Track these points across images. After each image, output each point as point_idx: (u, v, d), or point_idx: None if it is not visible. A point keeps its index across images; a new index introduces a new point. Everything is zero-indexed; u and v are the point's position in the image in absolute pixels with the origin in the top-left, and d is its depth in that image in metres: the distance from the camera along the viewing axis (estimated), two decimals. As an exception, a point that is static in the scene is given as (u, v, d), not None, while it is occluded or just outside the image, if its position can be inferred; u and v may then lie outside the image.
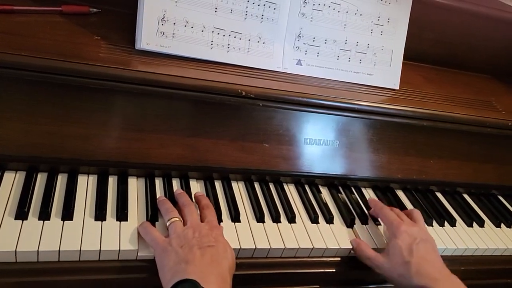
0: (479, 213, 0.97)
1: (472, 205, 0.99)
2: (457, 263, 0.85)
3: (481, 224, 0.93)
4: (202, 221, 0.69)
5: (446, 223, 0.90)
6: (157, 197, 0.74)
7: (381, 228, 0.83)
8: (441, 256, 0.84)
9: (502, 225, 0.95)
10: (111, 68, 0.69)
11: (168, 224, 0.67)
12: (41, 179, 0.72)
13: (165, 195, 0.76)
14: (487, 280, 0.88)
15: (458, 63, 1.13)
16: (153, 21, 0.75)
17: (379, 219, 0.83)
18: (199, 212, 0.72)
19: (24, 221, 0.64)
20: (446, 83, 1.05)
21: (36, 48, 0.68)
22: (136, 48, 0.76)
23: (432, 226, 0.89)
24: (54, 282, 0.63)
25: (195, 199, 0.76)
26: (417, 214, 0.82)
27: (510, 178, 1.04)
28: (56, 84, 0.68)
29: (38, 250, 0.61)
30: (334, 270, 0.77)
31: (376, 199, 0.89)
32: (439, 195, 0.99)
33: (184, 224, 0.68)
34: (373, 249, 0.77)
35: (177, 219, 0.68)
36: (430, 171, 0.96)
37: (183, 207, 0.71)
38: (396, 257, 0.71)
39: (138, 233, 0.67)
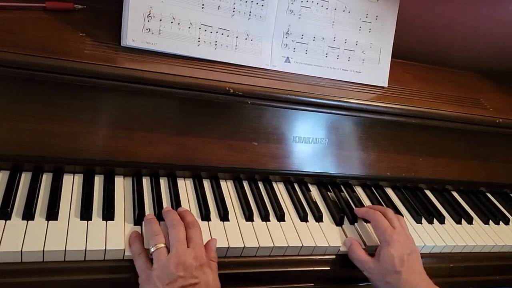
0: (468, 210, 0.97)
1: (461, 203, 1.00)
2: (446, 260, 0.85)
3: (470, 221, 0.94)
4: (187, 242, 0.66)
5: (435, 221, 0.91)
6: (146, 214, 0.70)
7: (370, 226, 0.83)
8: (430, 253, 0.84)
9: (491, 222, 0.96)
10: (96, 65, 0.68)
11: (152, 250, 0.64)
12: (25, 178, 0.71)
13: (153, 194, 0.75)
14: (475, 276, 0.88)
15: (446, 61, 1.14)
16: (139, 18, 0.74)
17: (371, 225, 0.81)
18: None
19: (7, 221, 0.63)
20: (435, 80, 1.06)
21: (20, 44, 0.67)
22: (121, 45, 0.75)
23: (421, 223, 0.89)
24: (38, 283, 0.61)
25: (179, 215, 0.71)
26: (402, 221, 0.80)
27: (498, 175, 1.05)
28: (40, 81, 0.67)
29: (21, 251, 0.60)
30: (323, 268, 0.76)
31: (361, 208, 0.85)
32: (428, 192, 1.00)
33: (169, 249, 0.64)
34: (363, 248, 0.77)
35: (162, 245, 0.64)
36: (419, 168, 0.96)
37: (170, 228, 0.67)
38: (388, 265, 0.72)
39: (125, 232, 0.66)
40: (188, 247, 0.65)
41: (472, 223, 0.93)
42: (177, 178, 0.80)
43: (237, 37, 0.81)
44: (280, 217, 0.78)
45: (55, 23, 0.76)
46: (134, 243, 0.65)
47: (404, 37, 0.96)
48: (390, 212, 0.80)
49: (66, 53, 0.68)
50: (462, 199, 1.01)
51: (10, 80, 0.67)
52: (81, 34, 0.75)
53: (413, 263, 0.73)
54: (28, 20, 0.74)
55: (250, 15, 0.81)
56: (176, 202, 0.75)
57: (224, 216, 0.75)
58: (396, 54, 0.95)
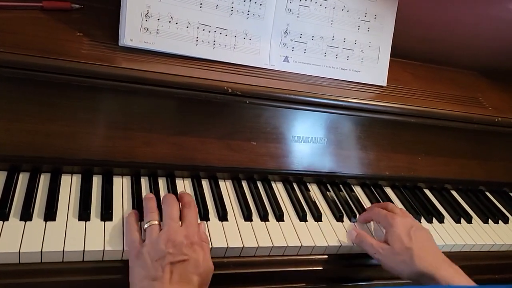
0: (467, 209, 0.97)
1: (460, 202, 0.99)
2: (445, 259, 0.85)
3: (469, 220, 0.93)
4: (181, 220, 0.67)
5: (434, 220, 0.91)
6: (144, 195, 0.72)
7: (369, 225, 0.83)
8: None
9: (490, 221, 0.96)
10: (94, 65, 0.67)
11: (145, 226, 0.65)
12: (23, 178, 0.70)
13: (151, 194, 0.75)
14: (474, 275, 0.88)
15: (445, 59, 1.13)
16: (136, 17, 0.73)
17: (374, 221, 0.82)
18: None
19: (5, 222, 0.62)
20: (434, 79, 1.06)
21: (17, 44, 0.66)
22: (119, 44, 0.74)
23: (420, 222, 0.89)
24: (37, 284, 0.61)
25: (178, 196, 0.72)
26: (403, 209, 0.82)
27: (497, 174, 1.05)
28: (37, 82, 0.67)
29: (19, 251, 0.59)
30: (322, 268, 0.76)
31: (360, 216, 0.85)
32: (427, 191, 1.00)
33: (161, 227, 0.65)
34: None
35: (155, 223, 0.65)
36: (418, 168, 0.96)
37: (164, 206, 0.68)
38: (397, 243, 0.71)
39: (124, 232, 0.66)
40: (181, 226, 0.65)
41: (471, 222, 0.93)
42: (176, 178, 0.80)
43: (235, 36, 0.81)
44: (279, 217, 0.78)
45: (52, 22, 0.75)
46: (130, 216, 0.67)
47: (403, 36, 0.96)
48: (390, 204, 0.82)
49: (64, 53, 0.68)
50: (461, 198, 1.01)
51: (7, 80, 0.66)
52: (78, 34, 0.74)
53: (422, 239, 0.72)
54: (25, 19, 0.74)
55: (248, 14, 0.81)
56: (174, 202, 0.75)
57: (223, 216, 0.75)
58: (395, 53, 0.95)
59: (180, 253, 0.61)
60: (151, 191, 0.76)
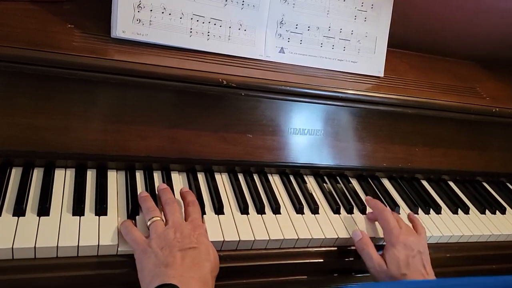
0: (464, 200, 0.97)
1: (457, 192, 0.99)
2: (442, 250, 0.85)
3: (466, 211, 0.93)
4: (185, 219, 0.67)
5: (431, 211, 0.90)
6: (139, 192, 0.71)
7: (367, 218, 0.83)
8: (427, 244, 0.84)
9: (487, 211, 0.95)
10: (86, 58, 0.66)
11: (148, 223, 0.65)
12: (15, 173, 0.69)
13: (146, 188, 0.74)
14: (472, 266, 0.88)
15: (442, 50, 1.13)
16: (129, 8, 0.72)
17: (378, 222, 0.79)
18: (183, 209, 0.70)
19: (-2, 218, 0.62)
20: (431, 70, 1.05)
21: (7, 37, 0.65)
22: (111, 36, 0.73)
23: (418, 214, 0.89)
24: (31, 280, 0.60)
25: (180, 195, 0.73)
26: (421, 227, 0.79)
27: (495, 164, 1.04)
28: (28, 75, 0.66)
29: (12, 247, 0.59)
30: (319, 260, 0.76)
31: (372, 198, 0.84)
32: (424, 183, 0.99)
33: (166, 223, 0.65)
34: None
35: (158, 218, 0.65)
36: (416, 159, 0.96)
37: (165, 205, 0.68)
38: (393, 267, 0.71)
39: (118, 227, 0.65)
40: (186, 221, 0.66)
41: (468, 213, 0.93)
42: (171, 172, 0.79)
43: (230, 27, 0.80)
44: (276, 210, 0.78)
45: (43, 14, 0.74)
46: (124, 222, 0.66)
47: (400, 26, 0.95)
48: (401, 220, 0.78)
49: (54, 45, 0.66)
50: (459, 189, 1.01)
51: (-3, 73, 0.65)
52: (69, 26, 0.73)
53: (420, 265, 0.72)
54: (14, 11, 0.72)
55: (243, 4, 0.80)
56: (170, 196, 0.74)
57: (219, 209, 0.74)
58: (392, 43, 0.94)
59: (189, 242, 0.62)
60: (146, 185, 0.75)
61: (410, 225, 0.79)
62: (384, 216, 0.76)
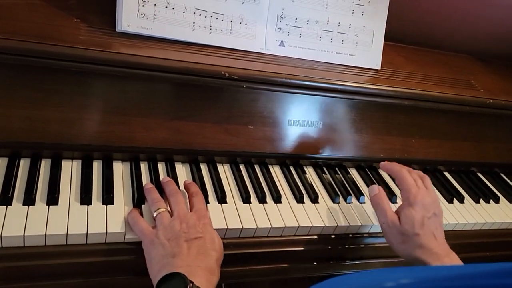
0: (459, 190, 0.99)
1: (453, 182, 1.02)
2: (438, 238, 0.87)
3: (461, 200, 0.96)
4: (190, 209, 0.69)
5: (427, 200, 0.93)
6: (144, 184, 0.73)
7: (365, 206, 0.85)
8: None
9: (481, 200, 0.98)
10: (92, 51, 0.68)
11: (155, 215, 0.67)
12: (24, 164, 0.71)
13: (151, 179, 0.76)
14: (466, 253, 0.91)
15: (438, 43, 1.15)
16: (133, 3, 0.74)
17: (396, 182, 0.78)
18: (187, 199, 0.72)
19: (9, 207, 0.63)
20: (427, 63, 1.07)
21: (14, 30, 0.66)
22: (116, 30, 0.75)
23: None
24: (42, 266, 0.62)
25: (184, 187, 0.75)
26: (428, 182, 0.77)
27: (488, 155, 1.07)
28: (35, 68, 0.67)
29: (24, 235, 0.60)
30: (319, 248, 0.78)
31: (389, 162, 0.81)
32: (420, 173, 1.02)
33: (172, 214, 0.67)
34: (356, 226, 0.79)
35: (164, 209, 0.67)
36: (412, 150, 0.98)
37: (170, 197, 0.70)
38: (407, 226, 0.70)
39: (125, 217, 0.67)
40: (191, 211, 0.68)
41: (463, 202, 0.96)
42: (175, 163, 0.81)
43: (231, 21, 0.81)
44: (277, 199, 0.80)
45: (49, 8, 0.75)
46: (131, 211, 0.68)
47: (396, 20, 0.97)
48: (415, 171, 0.78)
49: (61, 39, 0.68)
50: (454, 179, 1.03)
51: (5, 66, 0.67)
52: (75, 20, 0.75)
53: (433, 227, 0.71)
54: (22, 6, 0.74)
55: (244, -1, 0.81)
56: (174, 185, 0.76)
57: (222, 198, 0.76)
58: (389, 37, 0.96)
59: (195, 232, 0.64)
60: (150, 176, 0.77)
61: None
62: (402, 175, 0.75)
